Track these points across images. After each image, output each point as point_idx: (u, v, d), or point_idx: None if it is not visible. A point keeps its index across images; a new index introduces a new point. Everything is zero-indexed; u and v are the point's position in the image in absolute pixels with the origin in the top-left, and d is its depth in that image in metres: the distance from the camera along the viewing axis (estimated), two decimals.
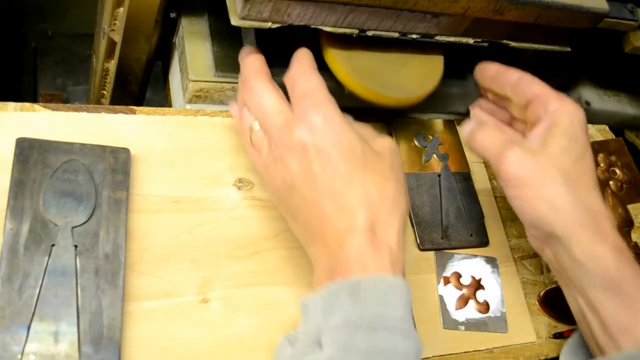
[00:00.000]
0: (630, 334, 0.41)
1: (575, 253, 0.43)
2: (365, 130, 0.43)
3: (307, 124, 0.39)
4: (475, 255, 0.55)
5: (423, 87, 0.52)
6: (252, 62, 0.45)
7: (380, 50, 0.51)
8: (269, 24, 0.44)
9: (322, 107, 0.40)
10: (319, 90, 0.41)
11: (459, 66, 0.59)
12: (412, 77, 0.52)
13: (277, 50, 0.47)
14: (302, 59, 0.44)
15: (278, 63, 0.49)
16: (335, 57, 0.49)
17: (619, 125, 0.86)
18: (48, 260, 0.40)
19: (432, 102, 0.61)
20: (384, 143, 0.42)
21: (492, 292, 0.54)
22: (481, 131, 0.47)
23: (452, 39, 0.52)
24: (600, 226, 0.43)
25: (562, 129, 0.45)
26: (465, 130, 0.50)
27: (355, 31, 0.47)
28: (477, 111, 0.54)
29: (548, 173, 0.43)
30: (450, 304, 0.52)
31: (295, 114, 0.40)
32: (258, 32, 0.50)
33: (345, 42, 0.49)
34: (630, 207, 0.65)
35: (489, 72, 0.51)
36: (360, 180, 0.38)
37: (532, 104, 0.47)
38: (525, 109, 0.48)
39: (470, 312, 0.52)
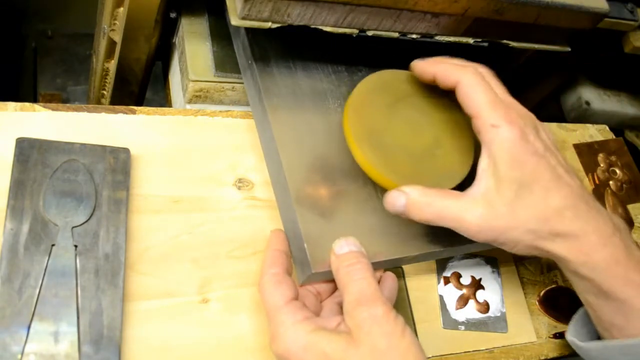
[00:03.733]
0: (623, 332, 0.42)
1: (564, 273, 0.44)
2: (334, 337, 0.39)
3: (275, 346, 0.39)
4: (475, 255, 0.55)
5: (459, 173, 0.48)
6: (270, 254, 0.44)
7: (411, 136, 0.48)
8: (269, 24, 0.44)
9: (285, 339, 0.39)
10: (279, 312, 0.40)
11: None
12: (446, 162, 0.48)
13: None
14: (271, 266, 0.43)
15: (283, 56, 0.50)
16: (365, 155, 0.46)
17: (619, 125, 0.86)
18: (48, 260, 0.40)
19: None
20: (360, 313, 0.39)
21: (492, 292, 0.54)
22: (421, 205, 0.42)
23: (452, 39, 0.52)
24: (582, 243, 0.41)
25: (502, 167, 0.41)
26: (397, 201, 0.43)
27: (355, 31, 0.47)
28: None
29: (511, 221, 0.41)
30: (450, 304, 0.52)
31: (270, 331, 0.40)
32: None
33: (372, 130, 0.47)
34: (630, 207, 0.65)
35: (425, 71, 0.46)
36: None
37: (472, 120, 0.43)
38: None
39: (470, 312, 0.52)
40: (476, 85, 0.42)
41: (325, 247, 0.43)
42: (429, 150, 0.48)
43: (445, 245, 0.48)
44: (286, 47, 0.51)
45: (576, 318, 0.49)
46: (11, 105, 0.46)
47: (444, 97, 0.51)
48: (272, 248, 0.44)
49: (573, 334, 0.48)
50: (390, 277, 0.45)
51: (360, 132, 0.46)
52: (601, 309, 0.43)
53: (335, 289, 0.45)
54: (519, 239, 0.42)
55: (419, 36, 0.50)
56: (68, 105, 0.48)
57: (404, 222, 0.46)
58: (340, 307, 0.42)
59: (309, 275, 0.43)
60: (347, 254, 0.42)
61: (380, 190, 0.47)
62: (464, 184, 0.46)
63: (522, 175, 0.41)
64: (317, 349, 0.38)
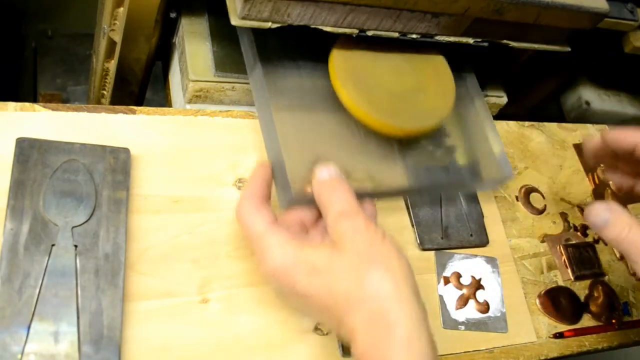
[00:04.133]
0: None
1: None
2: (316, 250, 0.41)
3: (270, 278, 0.41)
4: (475, 255, 0.55)
5: (439, 114, 0.52)
6: (251, 183, 0.44)
7: (394, 79, 0.51)
8: (269, 24, 0.44)
9: (273, 257, 0.40)
10: (263, 236, 0.41)
11: (458, 66, 0.59)
12: (427, 104, 0.52)
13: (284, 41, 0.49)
14: (250, 195, 0.43)
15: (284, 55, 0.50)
16: (349, 93, 0.49)
17: (619, 125, 0.86)
18: (48, 260, 0.40)
19: None
20: (342, 226, 0.41)
21: (492, 292, 0.54)
22: (624, 227, 0.45)
23: (452, 38, 0.52)
24: None
25: None
26: (601, 215, 0.46)
27: (355, 31, 0.47)
28: (617, 178, 0.54)
29: None
30: (450, 304, 0.52)
31: (256, 254, 0.41)
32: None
33: (357, 73, 0.50)
34: (630, 207, 0.65)
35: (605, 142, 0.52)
36: (332, 297, 0.38)
37: None
38: None
39: (470, 312, 0.52)
40: None
41: (306, 173, 0.45)
42: (411, 91, 0.52)
43: (423, 183, 0.51)
44: (292, 46, 0.51)
45: None
46: (11, 105, 0.46)
47: (426, 47, 0.54)
48: (253, 178, 0.45)
49: None
50: (369, 203, 0.47)
51: (344, 73, 0.49)
52: None
53: (319, 217, 0.46)
54: None
55: (419, 36, 0.50)
56: (68, 105, 0.48)
57: (384, 160, 0.50)
58: (325, 233, 0.44)
59: (290, 200, 0.44)
60: (328, 180, 0.43)
61: (363, 128, 0.50)
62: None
63: None
64: (304, 262, 0.39)
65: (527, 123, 0.67)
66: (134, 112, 0.49)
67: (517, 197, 0.61)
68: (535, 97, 0.86)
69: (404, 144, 0.52)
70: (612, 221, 0.45)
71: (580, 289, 0.58)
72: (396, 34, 0.49)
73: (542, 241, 0.59)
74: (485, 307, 0.53)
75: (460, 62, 0.59)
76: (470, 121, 0.55)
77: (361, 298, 0.38)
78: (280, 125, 0.47)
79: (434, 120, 0.52)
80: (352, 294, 0.38)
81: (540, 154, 0.66)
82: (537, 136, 0.67)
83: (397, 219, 0.54)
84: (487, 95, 0.64)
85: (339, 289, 0.38)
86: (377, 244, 0.40)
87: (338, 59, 0.50)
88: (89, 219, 0.42)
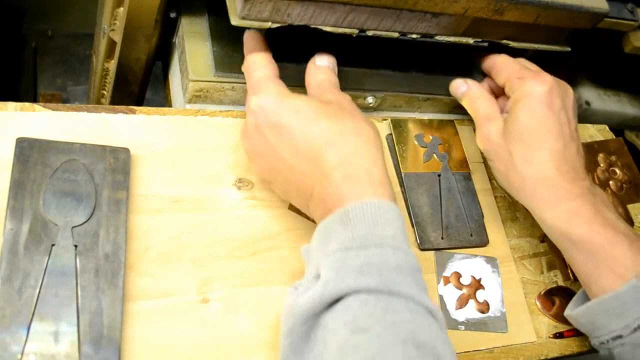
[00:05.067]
0: (599, 284, 0.48)
1: (534, 217, 0.52)
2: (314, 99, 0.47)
3: (258, 109, 0.45)
4: (475, 255, 0.55)
5: None
6: (250, 41, 0.49)
7: None
8: (268, 24, 0.44)
9: (269, 92, 0.45)
10: (266, 80, 0.46)
11: (464, 66, 0.59)
12: None
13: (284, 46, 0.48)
14: (253, 48, 0.48)
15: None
16: None
17: (619, 125, 0.86)
18: (48, 260, 0.40)
19: (434, 102, 0.61)
20: (331, 96, 0.47)
21: (492, 292, 0.54)
22: (474, 96, 0.55)
23: (452, 39, 0.52)
24: (552, 194, 0.49)
25: (519, 108, 0.51)
26: (460, 88, 0.56)
27: (355, 31, 0.48)
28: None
29: (505, 151, 0.51)
30: (450, 304, 0.52)
31: (252, 90, 0.46)
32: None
33: None
34: (630, 207, 0.65)
35: (486, 63, 0.57)
36: (317, 131, 0.43)
37: (505, 85, 0.54)
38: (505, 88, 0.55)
39: (470, 312, 0.52)
40: (509, 59, 0.55)
41: None
42: None
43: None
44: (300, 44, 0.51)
45: (575, 297, 0.53)
46: (11, 105, 0.46)
47: None
48: (252, 38, 0.49)
49: (569, 309, 0.52)
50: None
51: None
52: (575, 260, 0.50)
53: None
54: (501, 163, 0.52)
55: (419, 36, 0.50)
56: (68, 105, 0.48)
57: None
58: None
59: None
60: (324, 67, 0.50)
61: None
62: None
63: (531, 123, 0.50)
64: (294, 103, 0.44)
65: None
66: (134, 112, 0.49)
67: None
68: None
69: None
70: (465, 92, 0.56)
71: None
72: (396, 34, 0.49)
73: (542, 241, 0.59)
74: (485, 307, 0.53)
75: (470, 64, 0.59)
76: None
77: (340, 140, 0.42)
78: None
79: None
80: (330, 136, 0.43)
81: None
82: None
83: None
84: None
85: (320, 127, 0.43)
86: (358, 109, 0.46)
87: None
88: (89, 219, 0.42)
